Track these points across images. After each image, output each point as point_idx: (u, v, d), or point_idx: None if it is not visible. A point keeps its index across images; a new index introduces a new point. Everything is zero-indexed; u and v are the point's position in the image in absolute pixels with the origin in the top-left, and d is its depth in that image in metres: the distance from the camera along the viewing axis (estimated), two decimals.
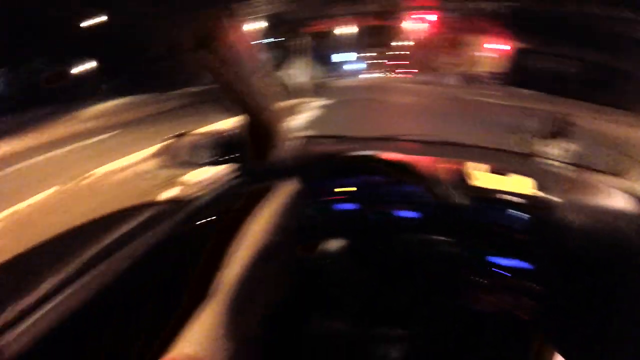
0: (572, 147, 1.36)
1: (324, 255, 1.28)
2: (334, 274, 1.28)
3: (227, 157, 1.40)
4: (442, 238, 1.28)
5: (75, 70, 21.70)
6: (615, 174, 1.61)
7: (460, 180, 1.39)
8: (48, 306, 0.81)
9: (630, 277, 1.31)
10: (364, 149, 1.33)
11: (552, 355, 1.59)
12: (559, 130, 1.38)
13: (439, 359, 1.45)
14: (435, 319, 1.37)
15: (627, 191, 1.48)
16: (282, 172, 1.29)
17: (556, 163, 1.39)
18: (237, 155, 1.42)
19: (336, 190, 1.40)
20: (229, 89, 1.19)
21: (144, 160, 7.57)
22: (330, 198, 1.39)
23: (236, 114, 1.34)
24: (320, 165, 1.31)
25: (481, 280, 1.29)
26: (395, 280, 1.27)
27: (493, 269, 1.29)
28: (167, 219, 1.18)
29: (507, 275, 1.29)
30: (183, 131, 1.42)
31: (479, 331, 1.54)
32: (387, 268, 1.29)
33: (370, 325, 1.29)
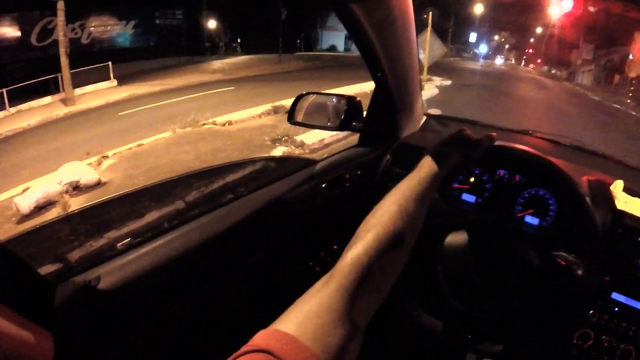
0: None
1: (442, 247, 1.24)
2: (446, 268, 1.23)
3: (352, 124, 1.33)
4: (568, 257, 1.15)
5: (208, 25, 23.43)
6: None
7: (600, 197, 1.25)
8: (150, 245, 0.82)
9: None
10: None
11: None
12: None
13: None
14: (534, 343, 1.30)
15: None
16: (410, 147, 1.29)
17: None
18: (362, 122, 1.35)
19: (464, 178, 1.32)
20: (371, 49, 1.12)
21: (263, 114, 7.80)
22: (457, 186, 1.31)
23: (375, 84, 1.29)
24: (458, 149, 1.00)
25: (593, 312, 1.17)
26: (506, 289, 1.20)
27: (608, 302, 1.17)
28: (288, 176, 1.17)
29: (619, 313, 1.16)
30: (309, 92, 1.39)
31: None
32: (501, 274, 1.20)
33: (467, 332, 1.28)
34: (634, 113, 18.92)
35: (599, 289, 1.18)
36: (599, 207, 1.22)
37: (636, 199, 1.28)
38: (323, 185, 1.20)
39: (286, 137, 5.83)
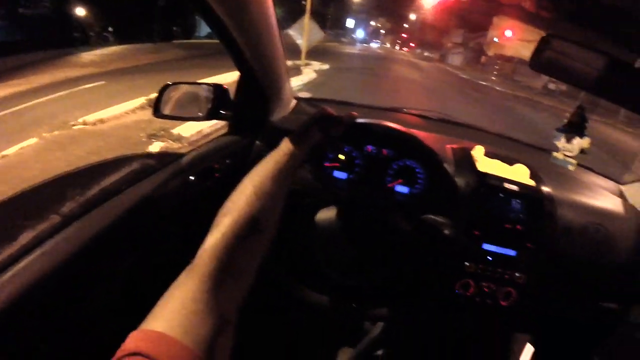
0: (582, 144, 1.32)
1: (315, 225, 1.25)
2: (322, 245, 1.25)
3: (220, 112, 1.33)
4: (437, 218, 1.24)
5: (76, 15, 20.94)
6: (608, 176, 1.70)
7: (463, 162, 1.36)
8: (26, 260, 0.74)
9: (607, 276, 1.38)
10: (366, 117, 1.23)
11: (525, 343, 1.77)
12: (574, 125, 1.33)
13: (418, 339, 1.48)
14: (419, 300, 1.38)
15: (616, 194, 1.55)
16: (280, 131, 1.22)
17: (560, 157, 1.38)
18: (231, 110, 1.35)
19: (334, 156, 1.33)
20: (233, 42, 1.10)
21: (137, 109, 7.39)
22: (328, 165, 1.33)
23: (235, 68, 1.27)
24: (319, 128, 1.19)
25: (469, 264, 1.29)
26: (383, 257, 1.24)
27: (483, 255, 1.28)
28: (155, 172, 1.10)
29: (493, 261, 1.29)
30: (175, 82, 1.34)
31: (459, 315, 1.57)
32: (376, 243, 1.25)
33: (353, 302, 1.28)
34: (498, 88, 21.86)
35: (471, 243, 1.29)
36: (463, 171, 1.34)
37: (496, 160, 1.42)
38: (192, 179, 1.16)
39: (163, 132, 5.66)
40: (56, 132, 6.22)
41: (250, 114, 1.40)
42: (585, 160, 1.41)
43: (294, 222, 1.19)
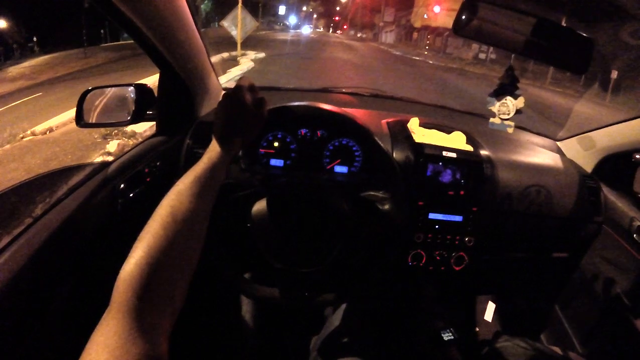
0: (517, 104, 1.33)
1: (253, 218, 1.15)
2: (263, 237, 1.16)
3: (146, 113, 1.26)
4: (377, 194, 1.22)
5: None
6: (541, 134, 1.75)
7: (399, 135, 1.38)
8: None
9: (552, 228, 1.43)
10: (299, 101, 1.23)
11: (477, 303, 1.84)
12: (506, 86, 1.32)
13: (372, 314, 1.46)
14: (373, 278, 1.30)
15: (556, 151, 1.62)
16: (210, 126, 0.99)
17: (497, 121, 1.36)
18: (156, 111, 1.29)
19: (268, 144, 1.32)
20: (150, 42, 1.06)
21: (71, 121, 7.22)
22: (262, 152, 1.32)
23: (159, 69, 1.24)
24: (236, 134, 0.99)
25: (418, 235, 1.31)
26: (328, 240, 1.16)
27: (430, 224, 1.31)
28: (82, 184, 1.02)
29: (441, 229, 1.32)
30: (95, 87, 1.25)
31: (412, 284, 1.63)
32: (318, 228, 1.16)
33: (304, 290, 1.20)
34: (430, 62, 22.49)
35: (417, 213, 1.28)
36: (399, 144, 1.32)
37: (433, 130, 1.40)
38: (121, 187, 1.09)
39: (116, 131, 5.73)
40: (7, 146, 6.20)
41: (176, 112, 1.34)
42: (521, 122, 1.41)
43: (231, 219, 1.14)
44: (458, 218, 1.31)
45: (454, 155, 1.30)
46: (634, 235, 1.35)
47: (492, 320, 1.81)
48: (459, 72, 17.99)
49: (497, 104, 1.31)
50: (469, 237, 1.32)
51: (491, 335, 1.62)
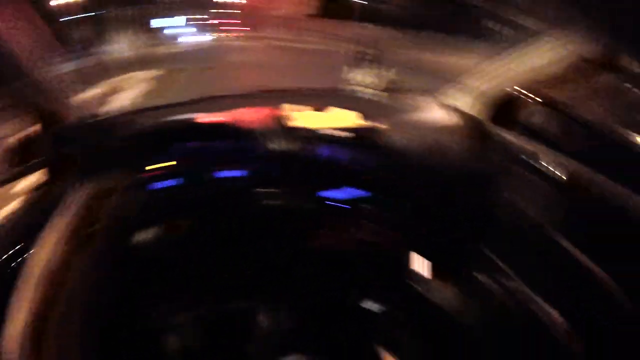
0: (387, 73, 1.41)
1: (154, 243, 1.16)
2: (169, 260, 1.17)
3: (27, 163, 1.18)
4: (276, 189, 1.24)
5: None
6: (433, 93, 1.75)
7: (282, 125, 1.37)
8: None
9: (460, 182, 1.46)
10: (178, 115, 1.23)
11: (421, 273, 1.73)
12: (370, 59, 1.39)
13: (314, 311, 1.42)
14: (297, 272, 1.35)
15: (444, 107, 1.64)
16: (85, 163, 1.11)
17: (372, 91, 1.45)
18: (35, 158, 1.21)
19: (152, 167, 1.27)
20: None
21: None
22: (148, 176, 1.26)
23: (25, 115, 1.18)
24: (125, 145, 1.12)
25: (325, 218, 1.31)
26: (242, 246, 1.19)
27: (334, 203, 1.30)
28: None
29: (353, 209, 1.31)
30: None
31: (347, 269, 1.58)
32: (228, 236, 1.20)
33: (225, 301, 1.22)
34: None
35: (312, 197, 1.31)
36: (274, 136, 1.33)
37: (305, 113, 1.41)
38: None
39: None
40: None
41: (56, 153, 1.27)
42: (402, 85, 1.48)
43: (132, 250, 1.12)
44: (361, 193, 1.29)
45: (341, 133, 1.30)
46: (534, 164, 1.37)
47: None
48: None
49: (361, 74, 1.40)
50: (376, 208, 1.31)
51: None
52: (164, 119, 1.11)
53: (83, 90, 1.38)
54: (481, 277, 1.57)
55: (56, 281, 0.59)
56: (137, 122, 0.93)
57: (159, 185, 1.24)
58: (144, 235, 1.12)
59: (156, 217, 1.16)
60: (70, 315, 0.55)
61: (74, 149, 1.27)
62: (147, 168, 1.24)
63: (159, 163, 1.25)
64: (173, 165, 1.26)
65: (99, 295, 0.65)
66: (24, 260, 0.75)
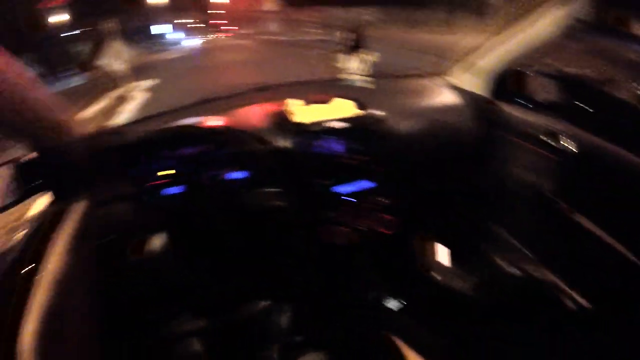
0: (373, 58, 1.39)
1: (158, 251, 1.15)
2: (176, 269, 1.16)
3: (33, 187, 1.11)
4: (270, 190, 1.21)
5: None
6: (436, 74, 1.74)
7: (277, 122, 1.32)
8: None
9: (470, 162, 1.46)
10: (177, 121, 1.20)
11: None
12: (356, 45, 1.37)
13: (318, 306, 1.41)
14: (310, 271, 1.34)
15: (449, 87, 1.61)
16: (87, 180, 1.06)
17: (364, 77, 1.42)
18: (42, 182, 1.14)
19: (155, 176, 1.22)
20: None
21: None
22: (158, 183, 1.21)
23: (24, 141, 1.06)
24: (126, 155, 1.09)
25: (335, 214, 1.27)
26: (251, 249, 1.20)
27: (342, 198, 1.27)
28: None
29: (355, 200, 1.27)
30: None
31: (360, 264, 1.56)
32: (236, 240, 1.21)
33: (237, 305, 1.20)
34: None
35: (322, 190, 1.27)
36: (280, 131, 1.29)
37: (314, 105, 1.36)
38: None
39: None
40: None
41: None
42: (405, 67, 1.46)
43: (134, 258, 1.12)
44: (368, 184, 1.28)
45: (339, 124, 1.26)
46: (542, 137, 1.35)
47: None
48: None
49: (353, 61, 1.39)
50: (386, 198, 1.29)
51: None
52: (164, 126, 1.11)
53: (82, 107, 1.27)
54: (497, 258, 1.56)
55: (63, 291, 0.61)
56: (134, 132, 0.93)
57: (161, 192, 1.21)
58: (147, 243, 1.12)
59: (159, 225, 1.16)
60: (77, 323, 0.61)
61: (76, 164, 1.23)
62: (149, 177, 1.21)
63: (160, 171, 1.21)
64: (174, 173, 1.22)
65: (106, 304, 0.66)
66: (32, 273, 0.70)
